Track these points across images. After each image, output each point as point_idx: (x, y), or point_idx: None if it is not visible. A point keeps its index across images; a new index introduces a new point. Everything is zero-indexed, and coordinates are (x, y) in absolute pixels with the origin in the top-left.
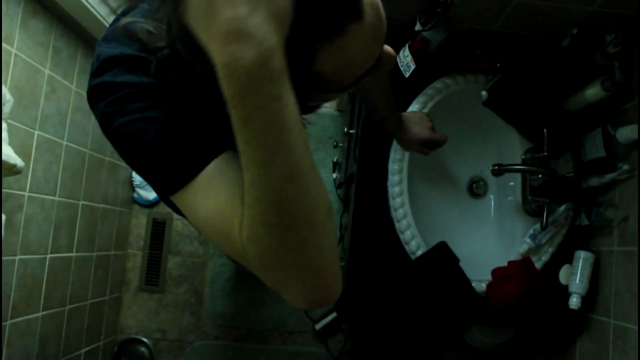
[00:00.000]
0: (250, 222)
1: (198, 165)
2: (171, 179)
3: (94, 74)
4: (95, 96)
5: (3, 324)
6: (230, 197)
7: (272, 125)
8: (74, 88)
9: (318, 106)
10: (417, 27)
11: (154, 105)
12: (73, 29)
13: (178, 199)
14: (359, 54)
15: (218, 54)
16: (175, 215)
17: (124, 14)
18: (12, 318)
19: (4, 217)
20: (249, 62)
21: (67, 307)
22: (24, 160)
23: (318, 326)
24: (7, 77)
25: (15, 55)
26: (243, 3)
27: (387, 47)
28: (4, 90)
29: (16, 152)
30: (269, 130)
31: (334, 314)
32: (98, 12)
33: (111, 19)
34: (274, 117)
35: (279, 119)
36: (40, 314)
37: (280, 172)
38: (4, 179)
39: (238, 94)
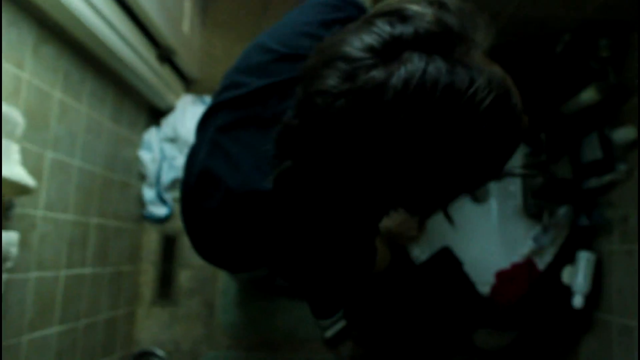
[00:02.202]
0: None
1: None
2: None
3: None
4: None
5: (21, 339)
6: None
7: None
8: (85, 110)
9: None
10: None
11: None
12: (82, 54)
13: None
14: None
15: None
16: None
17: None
18: (29, 333)
19: (18, 235)
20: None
21: (82, 322)
22: (36, 181)
23: (328, 334)
24: (19, 101)
25: (27, 80)
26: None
27: None
28: (16, 113)
29: (29, 173)
30: None
31: (343, 322)
32: (106, 38)
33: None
34: None
35: None
36: (55, 329)
37: None
38: (18, 199)
39: None
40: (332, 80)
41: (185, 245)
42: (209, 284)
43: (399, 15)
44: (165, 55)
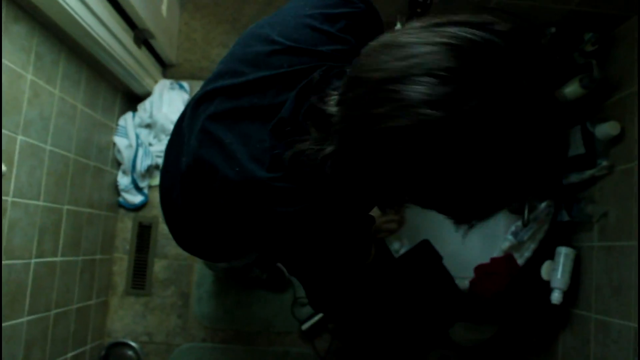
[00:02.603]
0: None
1: None
2: None
3: None
4: None
5: None
6: None
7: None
8: (57, 93)
9: None
10: (397, 27)
11: None
12: (55, 35)
13: None
14: None
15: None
16: (161, 219)
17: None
18: None
19: None
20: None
21: (53, 311)
22: (6, 165)
23: (304, 327)
24: None
25: None
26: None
27: None
28: None
29: None
30: None
31: (320, 314)
32: (81, 18)
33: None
34: None
35: None
36: (25, 319)
37: None
38: None
39: None
40: (424, 95)
41: (160, 234)
42: (184, 274)
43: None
44: (142, 38)
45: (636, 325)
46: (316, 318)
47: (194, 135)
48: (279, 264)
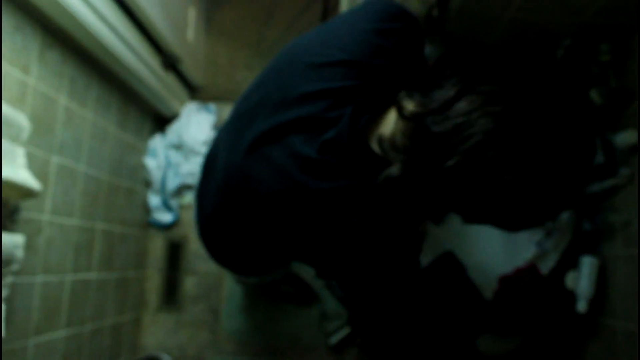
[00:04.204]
0: None
1: None
2: None
3: None
4: None
5: (27, 342)
6: None
7: None
8: (90, 116)
9: None
10: None
11: None
12: (87, 60)
13: None
14: None
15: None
16: (192, 237)
17: None
18: (35, 336)
19: (24, 238)
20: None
21: (88, 326)
22: (41, 185)
23: (333, 340)
24: (25, 106)
25: (33, 85)
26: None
27: None
28: (22, 117)
29: (34, 177)
30: None
31: (348, 328)
32: (111, 44)
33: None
34: None
35: None
36: (61, 333)
37: None
38: (24, 203)
39: None
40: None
41: (190, 251)
42: (214, 290)
43: None
44: (169, 62)
45: None
46: (344, 332)
47: (237, 151)
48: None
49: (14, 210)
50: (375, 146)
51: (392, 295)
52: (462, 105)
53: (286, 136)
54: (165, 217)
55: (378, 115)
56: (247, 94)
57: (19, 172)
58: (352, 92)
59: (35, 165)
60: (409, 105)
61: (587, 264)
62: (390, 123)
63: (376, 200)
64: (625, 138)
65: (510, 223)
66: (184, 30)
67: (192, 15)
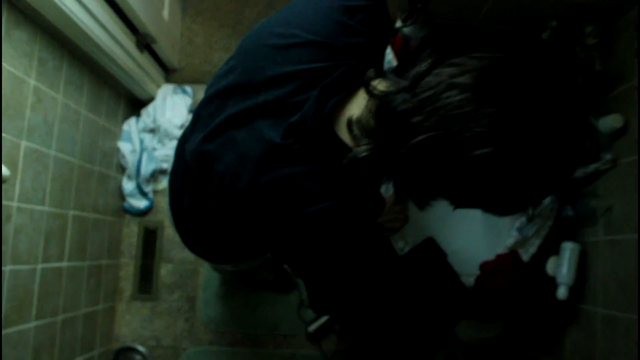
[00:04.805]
0: None
1: None
2: None
3: None
4: None
5: None
6: None
7: None
8: (61, 98)
9: None
10: (398, 24)
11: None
12: (57, 39)
13: None
14: None
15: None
16: (167, 223)
17: None
18: (4, 329)
19: None
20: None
21: (60, 317)
22: (10, 170)
23: (311, 328)
24: None
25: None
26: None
27: None
28: None
29: (2, 163)
30: None
31: (326, 316)
32: (82, 22)
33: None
34: None
35: None
36: (32, 324)
37: None
38: None
39: None
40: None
41: (166, 239)
42: (190, 278)
43: None
44: (144, 42)
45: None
46: (322, 320)
47: (205, 136)
48: (285, 266)
49: None
50: (343, 129)
51: (361, 282)
52: (429, 79)
53: (254, 120)
54: (140, 203)
55: (347, 97)
56: (216, 79)
57: None
58: (320, 73)
59: (4, 150)
60: (380, 85)
61: (568, 250)
62: (360, 104)
63: (340, 185)
64: (608, 122)
65: (498, 206)
66: (160, 9)
67: None
